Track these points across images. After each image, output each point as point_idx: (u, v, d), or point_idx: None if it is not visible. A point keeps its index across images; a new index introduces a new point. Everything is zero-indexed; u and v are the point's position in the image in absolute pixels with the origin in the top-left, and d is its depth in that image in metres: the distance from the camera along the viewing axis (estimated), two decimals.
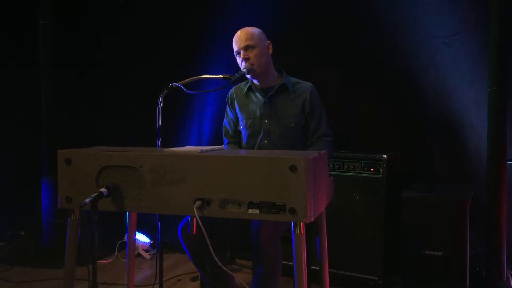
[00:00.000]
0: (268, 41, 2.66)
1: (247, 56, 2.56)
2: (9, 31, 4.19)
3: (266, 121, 2.65)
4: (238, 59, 2.63)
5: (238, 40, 2.59)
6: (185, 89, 2.37)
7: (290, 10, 3.72)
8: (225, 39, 3.92)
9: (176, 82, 2.40)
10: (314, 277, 2.41)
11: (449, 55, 3.30)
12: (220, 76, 2.51)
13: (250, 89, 2.73)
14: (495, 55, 2.91)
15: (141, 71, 4.25)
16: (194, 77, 2.48)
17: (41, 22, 4.02)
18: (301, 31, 3.71)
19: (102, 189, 1.87)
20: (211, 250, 1.90)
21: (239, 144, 2.82)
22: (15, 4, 4.21)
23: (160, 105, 2.32)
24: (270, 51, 2.66)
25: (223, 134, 2.89)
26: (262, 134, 2.65)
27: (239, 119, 2.76)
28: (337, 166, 3.19)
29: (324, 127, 2.66)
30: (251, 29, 2.62)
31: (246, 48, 2.56)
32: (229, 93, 2.82)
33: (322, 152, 1.98)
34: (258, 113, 2.67)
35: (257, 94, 2.70)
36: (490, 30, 2.92)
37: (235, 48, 2.61)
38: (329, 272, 2.41)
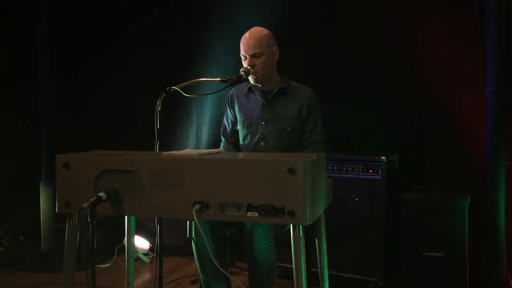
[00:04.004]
0: (276, 47, 2.64)
1: (253, 63, 2.55)
2: (7, 35, 4.19)
3: (263, 123, 2.66)
4: (243, 61, 2.61)
5: (246, 44, 2.56)
6: (183, 93, 2.37)
7: (292, 12, 3.72)
8: (224, 42, 3.96)
9: (174, 85, 2.40)
10: (315, 279, 2.41)
11: (448, 56, 3.31)
12: (218, 79, 2.50)
13: (250, 89, 2.73)
14: (493, 56, 2.91)
15: (140, 74, 4.25)
16: (192, 80, 2.47)
17: (39, 26, 4.02)
18: (302, 32, 3.71)
19: (101, 194, 1.86)
20: (210, 252, 1.90)
21: (236, 144, 2.83)
22: (13, 9, 4.21)
23: (158, 108, 2.31)
24: (277, 57, 2.65)
25: (221, 132, 2.91)
26: (258, 135, 2.66)
27: (238, 119, 2.77)
28: (336, 168, 3.19)
29: (318, 133, 2.66)
30: (260, 32, 2.58)
31: (253, 55, 2.55)
32: (230, 93, 2.82)
33: (321, 154, 1.98)
34: (256, 115, 2.68)
35: (256, 95, 2.70)
36: (489, 31, 2.93)
37: (242, 50, 2.59)
38: (329, 274, 2.41)
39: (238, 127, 2.76)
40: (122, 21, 4.33)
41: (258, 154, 2.47)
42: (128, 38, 4.32)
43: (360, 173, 3.12)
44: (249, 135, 2.70)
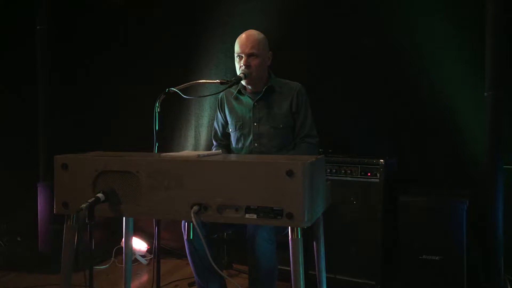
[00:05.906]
0: (270, 52, 2.69)
1: (248, 64, 2.58)
2: (6, 35, 4.18)
3: (255, 124, 2.67)
4: (237, 61, 2.63)
5: (243, 44, 2.59)
6: (182, 94, 2.37)
7: (291, 14, 3.72)
8: (223, 44, 3.96)
9: (173, 87, 2.40)
10: (312, 282, 2.40)
11: (446, 59, 3.31)
12: (217, 81, 2.51)
13: (239, 92, 2.75)
14: (491, 60, 2.92)
15: (139, 76, 4.25)
16: (191, 82, 2.48)
17: (38, 27, 4.02)
18: (301, 34, 3.71)
19: (99, 195, 1.87)
20: (208, 253, 1.90)
21: (227, 147, 2.84)
22: (13, 9, 4.21)
23: (157, 110, 2.31)
24: (270, 61, 2.70)
25: (212, 136, 2.93)
26: (252, 137, 2.68)
27: (229, 122, 2.79)
28: (334, 170, 3.19)
29: (308, 127, 2.67)
30: (257, 35, 2.63)
31: (250, 55, 2.57)
32: (219, 96, 2.85)
33: (319, 156, 1.98)
34: (247, 117, 2.70)
35: (246, 97, 2.73)
36: (486, 34, 2.94)
37: (237, 50, 2.62)
38: (327, 277, 2.41)
39: (230, 130, 2.78)
40: (122, 22, 4.33)
41: (257, 156, 2.47)
42: (128, 39, 4.32)
43: (359, 176, 3.12)
44: (242, 137, 2.72)
